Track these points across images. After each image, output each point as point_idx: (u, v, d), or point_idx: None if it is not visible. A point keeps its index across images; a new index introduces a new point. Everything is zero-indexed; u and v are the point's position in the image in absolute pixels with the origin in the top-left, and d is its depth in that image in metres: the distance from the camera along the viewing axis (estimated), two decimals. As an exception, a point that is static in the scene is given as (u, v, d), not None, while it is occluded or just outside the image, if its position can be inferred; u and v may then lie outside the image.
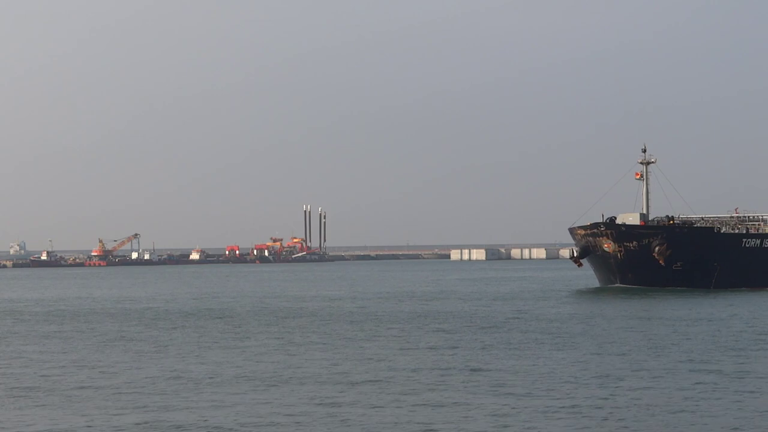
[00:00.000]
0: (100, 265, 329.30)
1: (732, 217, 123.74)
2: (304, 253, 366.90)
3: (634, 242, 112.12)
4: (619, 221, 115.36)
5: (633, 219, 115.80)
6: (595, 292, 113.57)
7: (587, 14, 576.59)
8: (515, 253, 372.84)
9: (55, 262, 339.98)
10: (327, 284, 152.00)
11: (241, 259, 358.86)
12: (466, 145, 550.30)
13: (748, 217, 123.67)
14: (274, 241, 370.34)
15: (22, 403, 38.36)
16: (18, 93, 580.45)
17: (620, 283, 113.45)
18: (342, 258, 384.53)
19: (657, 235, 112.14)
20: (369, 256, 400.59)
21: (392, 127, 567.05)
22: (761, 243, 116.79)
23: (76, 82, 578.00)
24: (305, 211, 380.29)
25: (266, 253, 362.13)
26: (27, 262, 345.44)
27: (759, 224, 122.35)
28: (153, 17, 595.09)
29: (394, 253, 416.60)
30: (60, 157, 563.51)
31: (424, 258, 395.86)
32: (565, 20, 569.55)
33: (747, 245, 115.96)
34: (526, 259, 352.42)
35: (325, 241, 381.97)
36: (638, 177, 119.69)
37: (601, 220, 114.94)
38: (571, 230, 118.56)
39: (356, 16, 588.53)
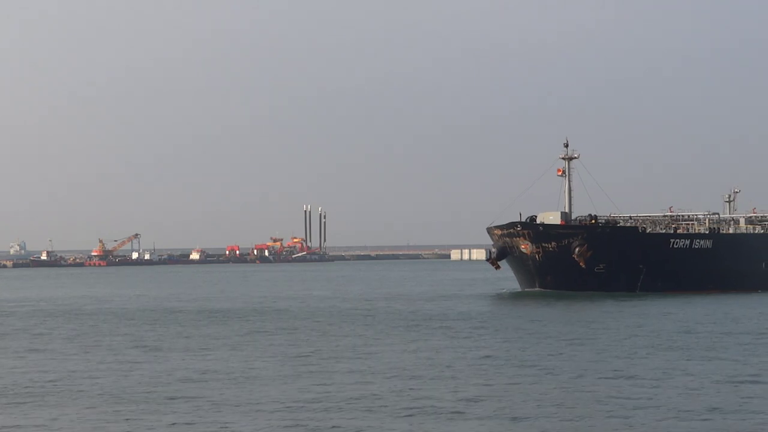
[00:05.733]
0: (100, 265, 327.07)
1: (665, 216, 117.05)
2: (305, 253, 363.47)
3: (553, 243, 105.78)
4: (539, 220, 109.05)
5: (554, 218, 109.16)
6: (499, 297, 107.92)
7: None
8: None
9: (55, 262, 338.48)
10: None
11: (241, 259, 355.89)
12: (466, 144, 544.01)
13: (682, 216, 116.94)
14: (274, 241, 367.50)
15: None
16: (18, 94, 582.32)
17: (540, 287, 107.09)
18: (342, 258, 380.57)
19: (576, 235, 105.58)
20: (369, 256, 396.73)
21: (391, 128, 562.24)
22: (691, 243, 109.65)
23: (78, 84, 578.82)
24: (305, 211, 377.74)
25: (266, 253, 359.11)
26: (27, 262, 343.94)
27: (691, 224, 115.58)
28: (150, 19, 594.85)
29: (394, 253, 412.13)
30: (60, 157, 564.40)
31: (424, 258, 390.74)
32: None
33: (675, 246, 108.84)
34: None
35: (325, 241, 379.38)
36: (560, 173, 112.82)
37: (519, 219, 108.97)
38: (489, 230, 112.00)
39: (355, 18, 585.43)
